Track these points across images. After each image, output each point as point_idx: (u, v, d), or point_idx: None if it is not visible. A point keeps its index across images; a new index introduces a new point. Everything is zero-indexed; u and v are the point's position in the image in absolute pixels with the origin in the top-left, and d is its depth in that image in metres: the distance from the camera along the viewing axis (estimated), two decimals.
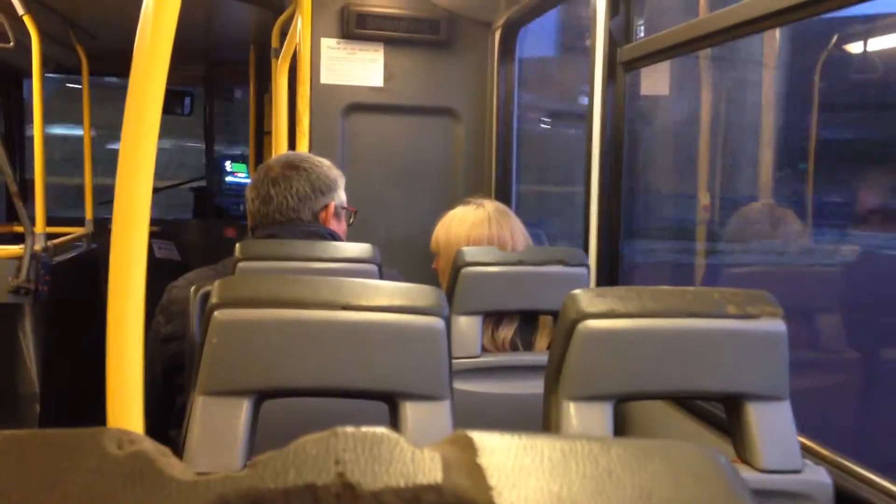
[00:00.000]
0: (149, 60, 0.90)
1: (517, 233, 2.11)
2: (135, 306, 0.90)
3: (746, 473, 1.13)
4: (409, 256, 3.06)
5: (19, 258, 3.07)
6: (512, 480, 0.31)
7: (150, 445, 0.31)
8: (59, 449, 0.30)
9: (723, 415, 1.36)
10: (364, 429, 0.32)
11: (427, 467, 0.31)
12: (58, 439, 0.30)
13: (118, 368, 0.90)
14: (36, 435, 0.30)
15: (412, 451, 0.32)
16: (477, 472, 0.31)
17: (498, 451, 0.32)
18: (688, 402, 1.71)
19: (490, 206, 2.14)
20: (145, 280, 0.92)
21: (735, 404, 1.16)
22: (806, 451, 1.35)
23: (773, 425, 1.13)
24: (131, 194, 0.90)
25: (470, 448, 0.32)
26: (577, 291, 1.15)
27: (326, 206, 1.98)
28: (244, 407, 1.07)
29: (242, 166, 5.80)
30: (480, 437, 0.33)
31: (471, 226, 2.09)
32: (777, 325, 1.14)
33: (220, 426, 1.06)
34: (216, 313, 1.07)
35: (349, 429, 0.32)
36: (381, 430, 0.32)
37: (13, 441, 0.30)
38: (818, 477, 1.14)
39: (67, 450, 0.30)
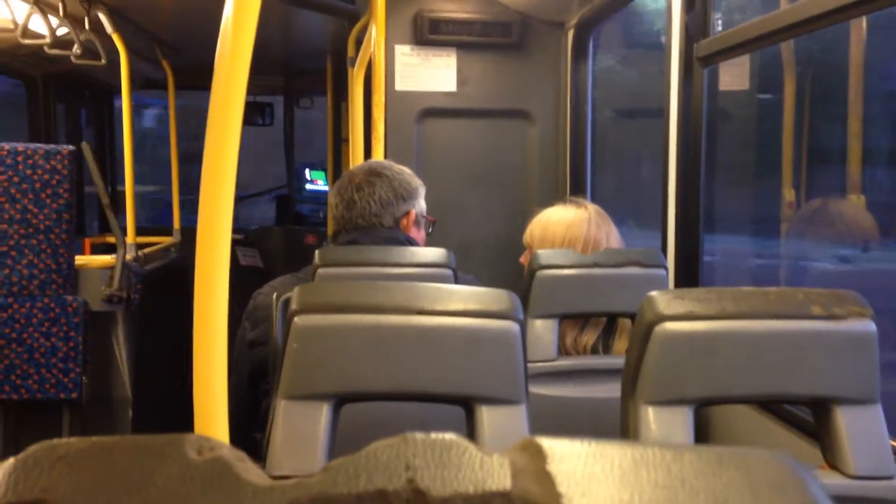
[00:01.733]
0: (229, 72, 0.93)
1: (612, 236, 2.09)
2: (219, 313, 0.93)
3: (836, 480, 1.09)
4: (485, 260, 3.07)
5: (112, 267, 3.20)
6: (582, 488, 0.31)
7: (229, 452, 0.32)
8: (144, 454, 0.31)
9: (811, 419, 1.32)
10: (433, 435, 0.33)
11: (496, 474, 0.31)
12: (143, 445, 0.32)
13: (204, 375, 0.93)
14: (123, 440, 0.32)
15: (481, 457, 0.32)
16: (546, 479, 0.31)
17: (568, 457, 0.32)
18: (774, 407, 1.66)
19: (591, 207, 2.14)
20: (230, 287, 0.95)
21: (823, 408, 1.12)
22: None
23: (863, 430, 1.09)
24: (214, 203, 0.93)
25: (539, 454, 0.32)
26: (654, 293, 1.13)
27: (407, 213, 2.00)
28: (324, 411, 1.10)
29: (321, 174, 5.91)
30: (550, 444, 0.33)
31: (569, 225, 2.08)
32: (865, 326, 1.09)
33: (301, 430, 1.09)
34: (296, 319, 1.10)
35: (419, 435, 0.33)
36: (450, 436, 0.33)
37: (102, 446, 0.31)
38: None
39: (151, 455, 0.31)
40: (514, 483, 0.31)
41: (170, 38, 4.29)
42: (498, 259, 3.09)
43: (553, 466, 0.32)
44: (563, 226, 2.08)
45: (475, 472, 0.31)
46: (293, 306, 1.11)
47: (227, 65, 0.93)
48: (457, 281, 1.71)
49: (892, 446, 1.14)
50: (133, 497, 0.29)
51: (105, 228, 5.07)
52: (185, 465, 0.31)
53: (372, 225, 1.97)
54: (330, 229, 2.29)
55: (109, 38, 3.51)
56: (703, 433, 1.90)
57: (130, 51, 3.71)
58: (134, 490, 0.30)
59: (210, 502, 0.29)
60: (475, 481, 0.31)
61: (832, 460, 1.11)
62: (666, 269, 1.89)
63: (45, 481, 0.31)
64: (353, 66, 3.13)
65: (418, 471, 0.31)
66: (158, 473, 0.30)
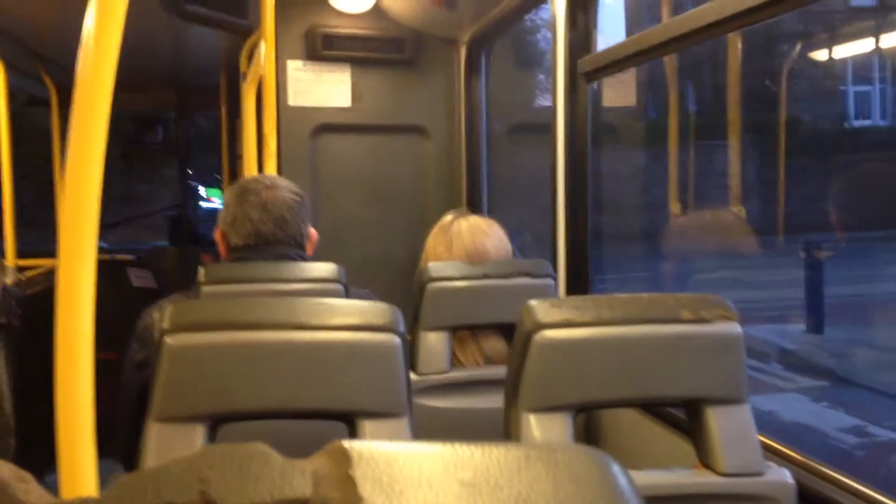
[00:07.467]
0: (92, 86, 0.89)
1: (499, 245, 2.05)
2: (84, 339, 0.88)
3: (708, 478, 1.12)
4: (384, 276, 3.05)
5: None
6: (385, 491, 0.31)
7: (10, 472, 0.30)
8: None
9: None
10: (236, 445, 0.32)
11: (296, 482, 0.30)
12: None
13: (67, 402, 0.88)
14: None
15: (282, 466, 0.31)
16: (348, 484, 0.31)
17: (374, 461, 0.32)
18: (657, 409, 1.71)
19: (469, 219, 2.10)
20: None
21: (695, 409, 1.15)
22: (769, 451, 1.35)
23: (733, 428, 1.13)
24: (77, 224, 0.88)
25: (344, 459, 0.32)
26: (533, 302, 1.14)
27: (299, 228, 1.95)
28: (199, 433, 1.06)
29: (217, 192, 5.77)
30: (358, 448, 0.32)
31: (448, 238, 2.06)
32: (732, 329, 1.13)
33: (174, 454, 1.05)
34: (167, 338, 1.06)
35: (220, 446, 0.32)
36: (252, 445, 0.32)
37: None
38: (781, 478, 1.13)
39: None
40: (315, 490, 0.30)
41: (53, 54, 4.11)
42: (397, 274, 3.08)
43: (357, 471, 0.31)
44: (442, 240, 2.06)
45: (274, 481, 0.30)
46: (163, 325, 1.07)
47: (89, 78, 0.89)
48: (348, 296, 1.69)
49: (762, 443, 1.18)
50: None
51: None
52: None
53: (259, 244, 1.92)
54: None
55: None
56: (593, 438, 1.94)
57: (9, 65, 3.54)
58: None
59: None
60: (272, 490, 0.30)
61: (705, 459, 1.14)
62: (554, 278, 1.92)
63: None
64: (245, 80, 3.08)
65: (212, 483, 0.30)
66: None
